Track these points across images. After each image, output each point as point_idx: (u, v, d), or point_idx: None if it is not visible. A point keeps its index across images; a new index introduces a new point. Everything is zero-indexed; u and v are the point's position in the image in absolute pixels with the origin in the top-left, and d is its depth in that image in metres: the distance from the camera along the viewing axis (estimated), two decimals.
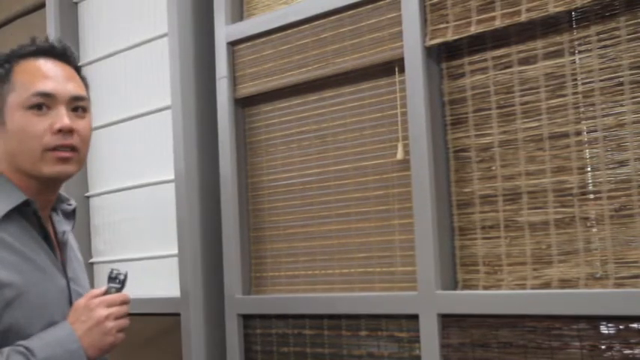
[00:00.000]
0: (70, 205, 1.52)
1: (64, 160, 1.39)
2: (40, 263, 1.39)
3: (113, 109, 2.24)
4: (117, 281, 1.44)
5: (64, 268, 1.45)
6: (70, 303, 1.43)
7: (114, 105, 2.23)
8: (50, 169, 1.38)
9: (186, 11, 2.00)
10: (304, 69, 1.78)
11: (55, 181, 1.43)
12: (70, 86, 1.41)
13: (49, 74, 1.40)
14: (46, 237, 1.42)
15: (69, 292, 1.44)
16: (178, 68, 1.97)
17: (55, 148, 1.38)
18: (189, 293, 1.92)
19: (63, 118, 1.37)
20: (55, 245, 1.44)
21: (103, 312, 1.38)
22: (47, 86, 1.38)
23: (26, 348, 1.30)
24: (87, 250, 2.31)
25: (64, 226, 1.48)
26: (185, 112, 1.97)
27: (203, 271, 1.93)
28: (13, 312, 1.32)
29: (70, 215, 1.52)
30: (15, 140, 1.37)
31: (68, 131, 1.37)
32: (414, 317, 1.55)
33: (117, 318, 1.40)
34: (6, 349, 1.29)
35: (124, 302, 1.43)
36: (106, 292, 1.42)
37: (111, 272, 1.45)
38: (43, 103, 1.37)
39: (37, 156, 1.37)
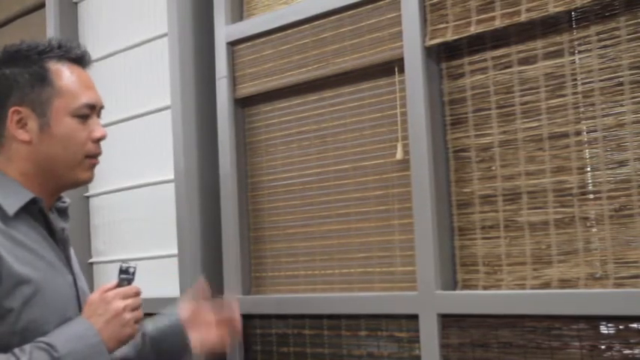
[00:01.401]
0: (64, 202, 1.54)
1: (94, 167, 1.49)
2: (50, 260, 1.41)
3: (113, 109, 2.23)
4: (128, 274, 1.46)
5: (69, 265, 1.47)
6: (78, 299, 1.46)
7: (114, 105, 2.23)
8: (86, 175, 1.47)
9: (186, 11, 2.00)
10: (304, 69, 1.78)
11: (78, 186, 1.51)
12: (100, 97, 1.50)
13: (90, 84, 1.49)
14: (51, 234, 1.45)
15: (76, 288, 1.46)
16: (178, 68, 1.97)
17: (93, 156, 1.47)
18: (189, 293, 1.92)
19: (100, 127, 1.48)
20: (58, 242, 1.46)
21: (120, 304, 1.40)
22: (93, 98, 1.47)
23: (48, 344, 1.32)
24: (87, 250, 2.31)
25: (61, 223, 1.50)
26: (185, 112, 1.97)
27: (203, 271, 1.92)
28: (31, 309, 1.34)
29: (63, 213, 1.53)
30: (60, 145, 1.43)
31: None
32: (414, 317, 1.55)
33: (133, 309, 1.42)
34: (27, 347, 1.31)
35: (138, 294, 1.45)
36: (118, 285, 1.43)
37: (121, 266, 1.47)
38: (89, 113, 1.46)
39: (77, 162, 1.45)
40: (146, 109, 2.13)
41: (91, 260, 2.30)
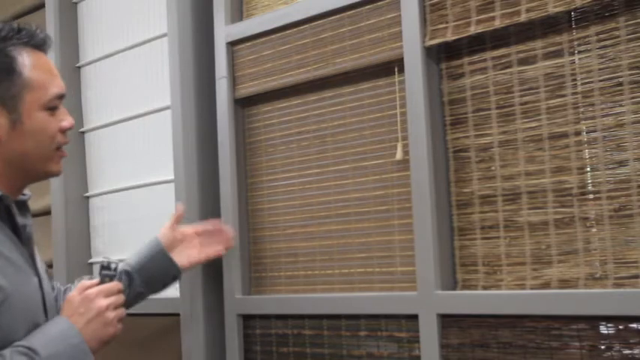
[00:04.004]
0: (24, 195, 1.46)
1: (61, 159, 1.43)
2: (17, 263, 1.34)
3: (113, 109, 2.24)
4: (109, 270, 1.41)
5: (34, 265, 1.41)
6: (43, 302, 1.39)
7: (113, 105, 2.23)
8: (56, 167, 1.42)
9: (185, 11, 2.00)
10: (304, 69, 1.78)
11: (45, 179, 1.46)
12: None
13: (56, 72, 1.41)
14: (15, 232, 1.38)
15: (41, 291, 1.40)
16: (178, 68, 1.97)
17: (61, 147, 1.41)
18: (189, 293, 1.92)
19: (68, 117, 1.42)
20: (22, 241, 1.39)
21: (103, 302, 1.35)
22: (62, 87, 1.41)
23: (28, 348, 1.26)
24: (86, 250, 2.31)
25: (22, 220, 1.42)
26: (185, 113, 1.97)
27: (203, 271, 1.92)
28: (0, 317, 1.28)
29: (23, 207, 1.45)
30: (33, 140, 1.36)
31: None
32: (414, 317, 1.55)
33: (116, 307, 1.37)
34: (7, 351, 1.25)
35: (120, 291, 1.41)
36: (101, 282, 1.39)
37: (102, 262, 1.41)
38: (59, 104, 1.40)
39: (49, 155, 1.40)
40: (146, 110, 2.13)
41: (90, 260, 2.30)
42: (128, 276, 1.66)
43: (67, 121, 1.41)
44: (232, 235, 1.81)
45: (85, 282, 1.39)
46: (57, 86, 1.39)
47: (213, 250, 1.77)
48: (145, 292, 1.69)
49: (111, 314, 1.36)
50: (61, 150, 1.42)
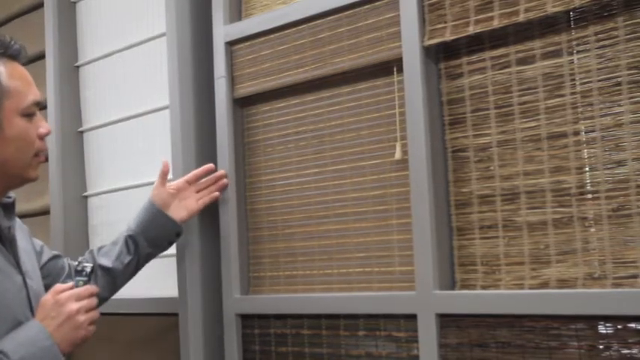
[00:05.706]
0: (9, 198, 1.51)
1: (39, 165, 1.48)
2: None
3: (111, 108, 2.24)
4: (83, 274, 1.46)
5: (17, 264, 1.44)
6: (29, 299, 1.43)
7: (112, 105, 2.23)
8: (34, 173, 1.47)
9: (184, 11, 2.00)
10: (302, 69, 1.78)
11: (22, 185, 1.49)
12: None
13: (31, 81, 1.47)
14: None
15: (26, 289, 1.44)
16: (177, 68, 1.97)
17: (39, 154, 1.46)
18: (188, 293, 1.92)
19: (45, 123, 1.47)
20: (4, 242, 1.43)
21: (73, 306, 1.39)
22: (38, 95, 1.46)
23: None
24: (85, 249, 2.30)
25: (5, 222, 1.47)
26: (183, 112, 1.97)
27: (201, 271, 1.92)
28: None
29: (9, 208, 1.50)
30: (13, 146, 1.41)
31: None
32: (412, 317, 1.55)
33: (87, 311, 1.42)
34: None
35: (93, 294, 1.45)
36: (75, 286, 1.43)
37: (77, 265, 1.47)
38: (35, 111, 1.46)
39: (28, 161, 1.44)
40: (145, 109, 2.13)
41: None
42: (133, 240, 1.73)
43: (44, 127, 1.46)
44: (225, 175, 1.85)
45: (59, 286, 1.44)
46: (33, 94, 1.45)
47: (209, 196, 1.82)
48: (154, 251, 1.76)
49: (81, 318, 1.40)
50: (39, 156, 1.46)
